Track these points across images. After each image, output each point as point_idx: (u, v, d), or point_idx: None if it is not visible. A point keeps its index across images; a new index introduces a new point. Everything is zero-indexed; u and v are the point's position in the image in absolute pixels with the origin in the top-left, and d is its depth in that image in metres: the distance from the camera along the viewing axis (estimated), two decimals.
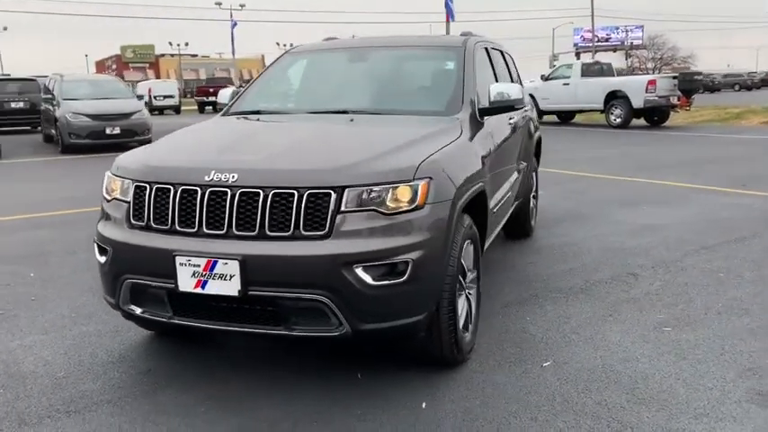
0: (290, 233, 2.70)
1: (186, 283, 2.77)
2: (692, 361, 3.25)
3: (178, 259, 2.76)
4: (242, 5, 49.31)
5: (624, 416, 2.75)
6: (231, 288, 2.71)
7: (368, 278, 2.68)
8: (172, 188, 2.87)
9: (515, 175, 4.76)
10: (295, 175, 2.77)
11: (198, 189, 2.81)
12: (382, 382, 3.08)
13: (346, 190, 2.71)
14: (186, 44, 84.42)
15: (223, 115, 4.17)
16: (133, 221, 2.97)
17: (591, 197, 7.82)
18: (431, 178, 2.84)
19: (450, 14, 25.64)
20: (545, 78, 20.66)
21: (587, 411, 2.79)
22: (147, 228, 2.92)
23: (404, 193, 2.77)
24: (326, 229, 2.69)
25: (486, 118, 3.91)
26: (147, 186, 2.94)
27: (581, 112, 20.55)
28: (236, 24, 47.29)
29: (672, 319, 3.84)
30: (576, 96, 19.47)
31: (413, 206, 2.77)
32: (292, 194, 2.71)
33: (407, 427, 2.70)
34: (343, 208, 2.70)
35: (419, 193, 2.79)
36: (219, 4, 48.55)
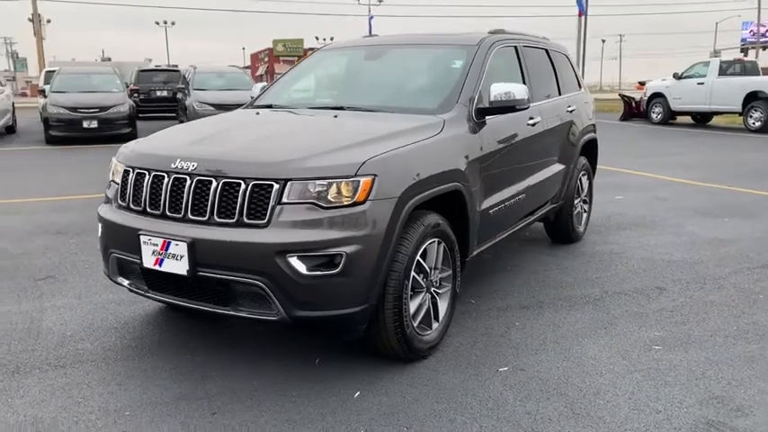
0: (234, 220, 2.90)
1: (148, 259, 3.06)
2: (658, 383, 3.06)
3: (142, 238, 3.05)
4: (379, 0, 50.47)
5: (546, 428, 2.67)
6: (182, 268, 2.96)
7: (302, 267, 2.81)
8: (146, 173, 3.17)
9: (538, 176, 4.62)
10: (244, 166, 2.96)
11: (165, 175, 3.09)
12: (333, 370, 3.20)
13: (289, 183, 2.86)
14: (332, 38, 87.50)
15: (244, 108, 4.45)
16: (119, 202, 3.31)
17: (672, 205, 7.32)
18: (375, 175, 2.91)
19: (581, 10, 24.70)
20: (678, 77, 19.28)
21: (511, 419, 2.75)
22: (128, 208, 3.25)
23: (344, 188, 2.87)
24: (266, 218, 2.85)
25: (489, 118, 3.87)
26: (131, 171, 3.26)
27: (717, 114, 18.97)
28: (372, 18, 48.47)
29: (669, 337, 3.60)
30: (710, 97, 18.01)
31: (351, 201, 2.86)
32: (239, 184, 2.90)
33: (328, 412, 2.81)
34: (284, 199, 2.85)
35: (360, 189, 2.87)
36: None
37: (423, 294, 3.29)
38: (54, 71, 17.77)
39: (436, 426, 2.71)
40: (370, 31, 49.12)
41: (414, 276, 3.16)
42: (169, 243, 2.97)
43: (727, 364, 3.26)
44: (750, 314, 3.94)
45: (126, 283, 3.36)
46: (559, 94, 5.24)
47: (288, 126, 3.69)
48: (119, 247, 3.25)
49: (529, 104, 3.91)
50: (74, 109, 14.08)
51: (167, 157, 3.14)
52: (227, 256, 2.89)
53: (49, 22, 39.84)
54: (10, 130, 16.57)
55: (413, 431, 2.67)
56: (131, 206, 3.23)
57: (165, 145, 3.41)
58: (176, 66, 23.22)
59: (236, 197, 2.90)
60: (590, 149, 5.79)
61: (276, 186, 2.86)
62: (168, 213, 3.06)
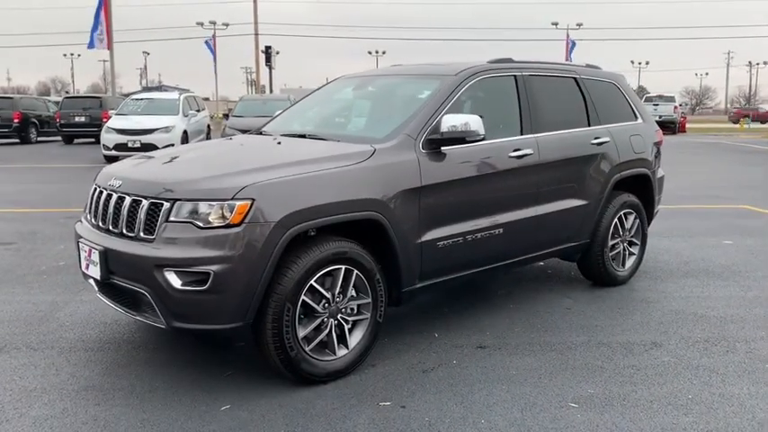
0: (134, 234, 3.24)
1: (83, 263, 3.52)
2: None
3: (80, 243, 3.53)
4: (579, 24, 48.82)
5: None
6: (97, 273, 3.37)
7: (176, 282, 3.06)
8: (96, 188, 3.65)
9: (530, 211, 4.33)
10: (147, 185, 3.29)
11: (104, 191, 3.54)
12: (234, 381, 3.38)
13: (177, 202, 3.13)
14: None
15: (251, 133, 4.82)
16: (86, 212, 3.83)
17: None
18: (253, 200, 3.07)
19: None
20: None
21: None
22: (86, 218, 3.75)
23: (220, 210, 3.07)
24: (154, 234, 3.15)
25: (450, 148, 3.80)
26: (94, 186, 3.77)
27: None
28: (574, 45, 47.10)
29: (599, 396, 3.21)
30: None
31: (225, 223, 3.05)
32: (140, 201, 3.24)
33: (183, 419, 2.99)
34: (171, 218, 3.13)
35: (234, 211, 3.05)
36: (556, 24, 49.09)
37: (322, 320, 3.33)
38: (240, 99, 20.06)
39: None
40: (568, 55, 47.92)
41: (305, 301, 3.24)
42: (91, 250, 3.40)
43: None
44: (727, 384, 3.36)
45: (92, 282, 3.86)
46: (589, 125, 4.87)
47: (224, 150, 4.00)
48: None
49: (481, 137, 3.75)
50: (244, 131, 15.76)
51: (110, 175, 3.59)
52: (125, 266, 3.24)
53: (278, 53, 44.61)
54: None
55: None
56: (87, 216, 3.72)
57: (120, 165, 3.87)
58: None
59: (137, 213, 3.24)
60: (639, 186, 5.25)
61: (166, 205, 3.14)
62: (99, 224, 3.50)
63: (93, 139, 21.66)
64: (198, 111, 18.45)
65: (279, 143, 3.96)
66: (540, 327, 4.25)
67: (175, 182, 3.23)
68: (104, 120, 18.42)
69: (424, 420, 2.99)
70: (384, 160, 3.58)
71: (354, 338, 3.48)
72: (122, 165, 3.86)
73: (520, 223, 4.26)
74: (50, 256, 6.09)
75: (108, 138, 15.24)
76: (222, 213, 3.07)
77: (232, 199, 3.07)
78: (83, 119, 21.59)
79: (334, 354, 3.40)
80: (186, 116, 16.89)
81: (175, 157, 3.87)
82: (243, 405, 3.14)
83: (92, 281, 3.56)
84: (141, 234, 3.20)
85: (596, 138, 4.84)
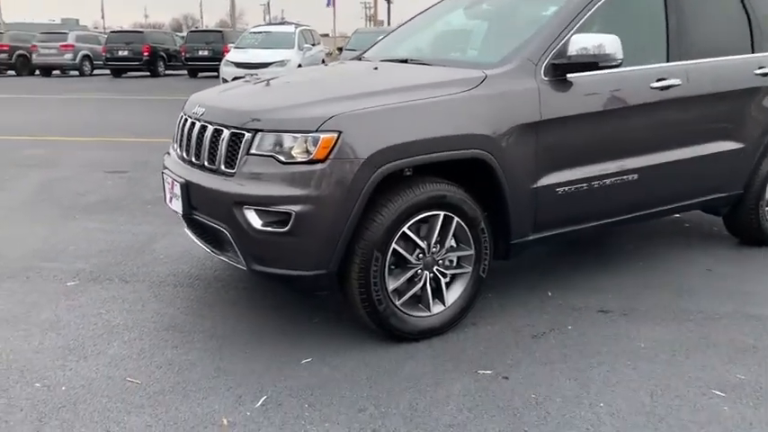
0: (215, 167, 2.94)
1: (167, 196, 3.30)
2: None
3: (164, 175, 3.31)
4: None
5: None
6: (179, 207, 3.13)
7: (256, 221, 2.75)
8: (182, 116, 3.38)
9: (675, 154, 3.63)
10: (229, 114, 2.96)
11: (188, 119, 3.26)
12: (316, 332, 3.09)
13: (259, 133, 2.79)
14: None
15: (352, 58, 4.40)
16: (173, 142, 3.60)
17: None
18: (339, 132, 2.67)
19: None
20: None
21: (426, 427, 2.33)
22: (173, 148, 3.51)
23: (303, 144, 2.69)
24: (235, 168, 2.83)
25: (576, 76, 3.20)
26: (181, 114, 3.51)
27: None
28: None
29: (758, 384, 2.61)
30: None
31: (309, 159, 2.68)
32: (221, 131, 2.93)
33: (253, 379, 2.74)
34: (253, 150, 2.79)
35: (319, 145, 2.66)
36: None
37: (415, 271, 2.93)
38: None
39: (340, 409, 2.45)
40: None
41: (397, 250, 2.84)
42: (174, 183, 3.16)
43: None
44: None
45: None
46: (752, 51, 4.01)
47: (316, 77, 3.58)
48: None
49: (619, 62, 3.10)
50: None
51: (195, 102, 3.31)
52: (206, 201, 2.98)
53: None
54: None
55: (315, 409, 2.46)
56: (174, 146, 3.49)
57: (206, 92, 3.58)
58: None
59: (219, 144, 2.93)
60: None
61: (247, 136, 2.81)
62: (184, 155, 3.24)
63: (215, 73, 22.14)
64: (313, 45, 18.28)
65: (376, 69, 3.50)
66: (675, 290, 3.62)
67: (257, 110, 2.88)
68: (225, 53, 18.69)
69: (530, 397, 2.55)
70: (496, 88, 3.04)
71: (453, 294, 3.06)
72: (209, 92, 3.57)
73: (658, 168, 3.59)
74: (157, 186, 6.07)
75: (226, 71, 15.43)
76: (306, 147, 2.69)
77: (316, 131, 2.68)
78: (206, 53, 22.07)
79: (429, 310, 3.00)
80: (302, 50, 16.77)
81: (266, 84, 3.52)
82: (326, 359, 2.84)
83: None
84: (222, 167, 2.90)
85: (761, 67, 3.97)
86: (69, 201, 5.55)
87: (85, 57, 24.36)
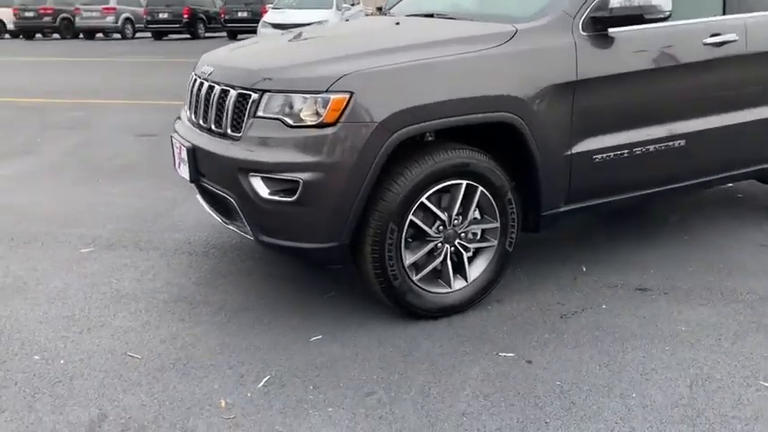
0: (222, 131, 2.76)
1: (175, 161, 3.14)
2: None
3: (173, 139, 3.14)
4: None
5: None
6: (186, 173, 2.96)
7: (263, 190, 2.56)
8: (192, 77, 3.20)
9: (726, 119, 3.30)
10: (237, 72, 2.77)
11: (197, 79, 3.07)
12: (332, 306, 2.92)
13: (266, 94, 2.58)
14: None
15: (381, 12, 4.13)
16: (184, 105, 3.42)
17: None
18: (351, 93, 2.44)
19: None
20: None
21: (440, 415, 2.15)
22: (184, 111, 3.34)
23: (312, 105, 2.48)
24: (241, 131, 2.64)
25: (618, 30, 2.90)
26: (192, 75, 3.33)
27: None
28: None
29: None
30: None
31: (318, 122, 2.46)
32: (228, 92, 2.73)
33: (258, 357, 2.58)
34: (259, 113, 2.59)
35: (329, 107, 2.45)
36: None
37: (435, 245, 2.71)
38: None
39: (347, 392, 2.28)
40: None
41: (414, 222, 2.62)
42: (181, 147, 2.99)
43: None
44: None
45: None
46: None
47: (334, 34, 3.35)
48: None
49: (667, 14, 2.77)
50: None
51: (204, 62, 3.12)
52: (212, 167, 2.81)
53: None
54: None
55: (319, 392, 2.30)
56: (186, 108, 3.31)
57: (217, 51, 3.37)
58: None
59: (225, 106, 2.74)
60: None
61: (254, 97, 2.60)
62: (192, 118, 3.07)
63: (255, 34, 22.00)
64: (353, 4, 17.87)
65: (397, 24, 3.24)
66: (723, 268, 3.32)
67: (264, 69, 2.67)
68: (263, 14, 18.44)
69: (554, 384, 2.33)
70: (527, 44, 2.75)
71: (476, 269, 2.84)
72: (220, 50, 3.37)
73: (709, 134, 3.26)
74: None
75: (264, 32, 15.22)
76: (315, 110, 2.47)
77: (326, 92, 2.45)
78: (245, 14, 21.80)
79: (449, 286, 2.79)
80: (340, 10, 16.40)
81: (280, 42, 3.31)
82: (337, 336, 2.67)
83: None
84: (229, 131, 2.71)
85: None
86: (96, 165, 5.48)
87: (127, 19, 24.38)
